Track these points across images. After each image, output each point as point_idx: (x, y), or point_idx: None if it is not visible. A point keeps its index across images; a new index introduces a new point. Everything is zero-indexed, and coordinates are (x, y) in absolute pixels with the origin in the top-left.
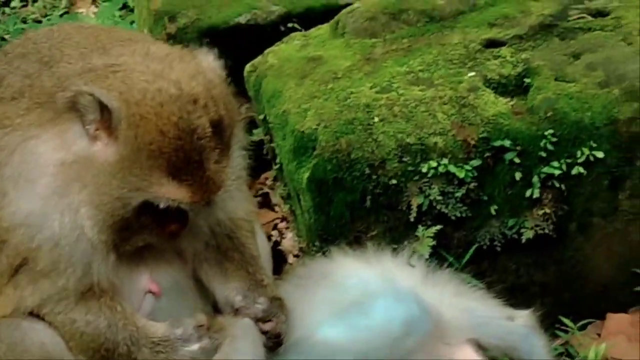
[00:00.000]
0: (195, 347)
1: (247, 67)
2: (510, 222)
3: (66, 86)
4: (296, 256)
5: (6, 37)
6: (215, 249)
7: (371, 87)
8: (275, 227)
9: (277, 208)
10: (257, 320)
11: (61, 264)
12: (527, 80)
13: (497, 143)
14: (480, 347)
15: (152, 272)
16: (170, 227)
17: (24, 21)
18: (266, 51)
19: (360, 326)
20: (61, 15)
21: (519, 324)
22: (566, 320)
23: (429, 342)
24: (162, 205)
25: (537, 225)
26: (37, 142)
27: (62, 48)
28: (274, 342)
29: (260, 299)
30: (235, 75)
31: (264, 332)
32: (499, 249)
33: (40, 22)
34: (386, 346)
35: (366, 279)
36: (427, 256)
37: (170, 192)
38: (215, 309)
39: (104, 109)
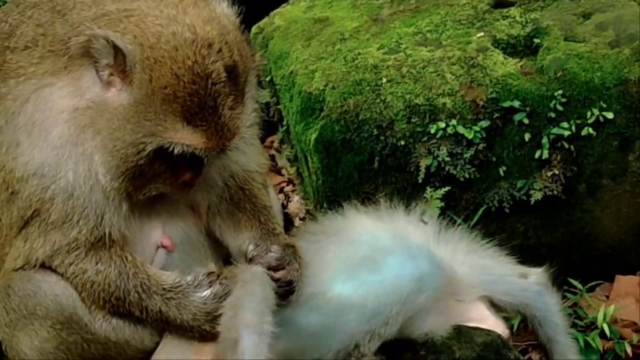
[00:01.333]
0: (206, 292)
1: (254, 29)
2: (519, 184)
3: (79, 31)
4: (302, 219)
5: None
6: (228, 201)
7: (379, 48)
8: (281, 191)
9: (283, 171)
10: (270, 268)
11: (74, 215)
12: (536, 40)
13: (506, 104)
14: (492, 304)
15: (164, 227)
16: (184, 176)
17: None
18: (272, 13)
19: (373, 282)
20: None
21: (531, 282)
22: (575, 282)
23: (441, 299)
24: (176, 151)
25: (546, 187)
26: (51, 90)
27: None
28: (285, 290)
29: (273, 247)
30: None
31: (276, 280)
32: (507, 210)
33: None
34: (398, 302)
35: (378, 235)
36: (435, 218)
37: (184, 138)
38: (228, 263)
39: (117, 52)
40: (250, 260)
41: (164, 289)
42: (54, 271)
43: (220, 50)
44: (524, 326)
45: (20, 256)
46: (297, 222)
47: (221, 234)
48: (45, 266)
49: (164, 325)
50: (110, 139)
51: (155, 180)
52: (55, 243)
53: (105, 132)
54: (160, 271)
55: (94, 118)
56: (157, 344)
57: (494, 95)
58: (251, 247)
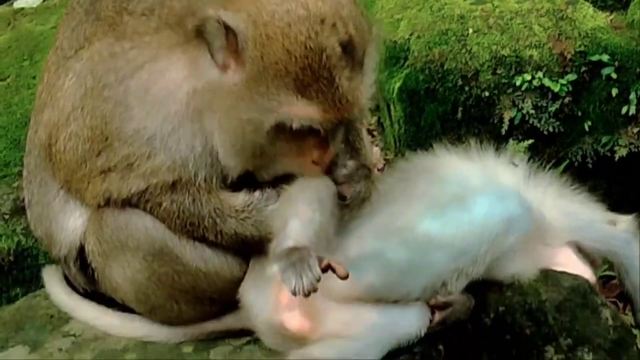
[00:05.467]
0: (278, 203)
1: None
2: (604, 139)
3: (194, 10)
4: (380, 170)
5: None
6: None
7: None
8: None
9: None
10: (339, 183)
11: (169, 172)
12: None
13: (595, 58)
14: (580, 250)
15: None
16: (311, 155)
17: None
18: None
19: (461, 221)
20: None
21: (620, 229)
22: None
23: (529, 242)
24: (295, 126)
25: (631, 143)
26: (167, 65)
27: None
28: (342, 203)
29: (349, 163)
30: None
31: (342, 196)
32: (590, 166)
33: None
34: (486, 242)
35: (469, 175)
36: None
37: (300, 111)
38: None
39: (229, 32)
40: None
41: (236, 210)
42: None
43: (334, 25)
44: (603, 282)
45: (98, 195)
46: (375, 172)
47: None
48: None
49: (242, 247)
50: (227, 118)
51: (281, 161)
52: (133, 188)
53: (222, 112)
54: (230, 193)
55: (211, 99)
56: (246, 273)
57: (582, 48)
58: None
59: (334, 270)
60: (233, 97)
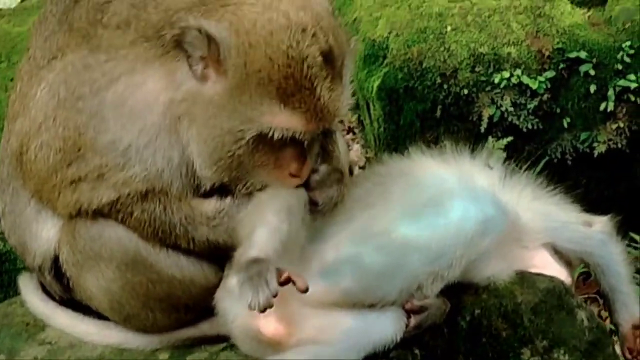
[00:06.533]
0: (247, 210)
1: None
2: (583, 136)
3: (174, 22)
4: (362, 167)
5: None
6: None
7: None
8: None
9: (344, 119)
10: (311, 189)
11: (141, 182)
12: None
13: (573, 54)
14: (556, 251)
15: None
16: (289, 167)
17: None
18: None
19: (437, 225)
20: None
21: (596, 230)
22: (636, 236)
23: (505, 244)
24: (276, 136)
25: (610, 140)
26: (144, 77)
27: None
28: (314, 208)
29: (321, 168)
30: None
31: (314, 202)
32: (570, 162)
33: None
34: (462, 245)
35: (444, 177)
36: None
37: (283, 121)
38: None
39: (211, 42)
40: None
41: (207, 217)
42: None
43: (314, 35)
44: (583, 279)
45: (69, 205)
46: (356, 170)
47: None
48: None
49: (216, 253)
50: (206, 127)
51: (259, 173)
52: (104, 199)
53: (201, 121)
54: (201, 200)
55: (190, 109)
56: (221, 279)
57: (560, 45)
58: None
59: (294, 283)
60: (214, 107)
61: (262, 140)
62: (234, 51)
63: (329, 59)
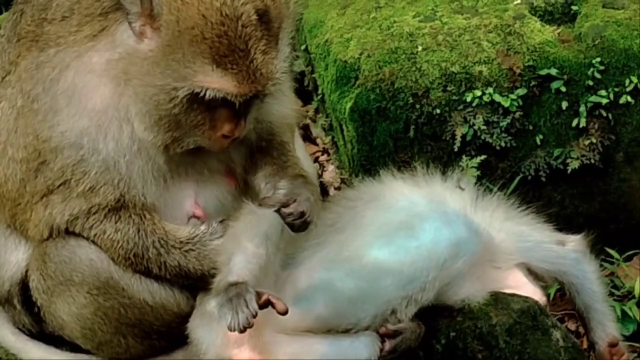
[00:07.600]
0: (223, 239)
1: None
2: (556, 152)
3: None
4: (337, 188)
5: None
6: (258, 152)
7: (414, 16)
8: (316, 160)
9: (318, 141)
10: (282, 205)
11: (105, 185)
12: (574, 7)
13: (544, 72)
14: (530, 271)
15: (197, 197)
16: (223, 128)
17: None
18: None
19: (409, 248)
20: None
21: (569, 249)
22: (612, 252)
23: (478, 265)
24: (208, 96)
25: (583, 156)
26: (91, 54)
27: None
28: (301, 222)
29: (280, 183)
30: None
31: (289, 215)
32: (544, 179)
33: None
34: (435, 267)
35: (415, 201)
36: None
37: (215, 81)
38: None
39: None
40: (262, 201)
41: (181, 242)
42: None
43: None
44: (560, 295)
45: (41, 223)
46: (332, 191)
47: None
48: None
49: (185, 281)
50: (142, 85)
51: (193, 133)
52: (75, 209)
53: (137, 79)
54: (176, 226)
55: (126, 68)
56: (193, 307)
57: (530, 63)
58: (263, 185)
59: (273, 306)
60: (148, 64)
61: (196, 100)
62: (166, 7)
63: (265, 19)
